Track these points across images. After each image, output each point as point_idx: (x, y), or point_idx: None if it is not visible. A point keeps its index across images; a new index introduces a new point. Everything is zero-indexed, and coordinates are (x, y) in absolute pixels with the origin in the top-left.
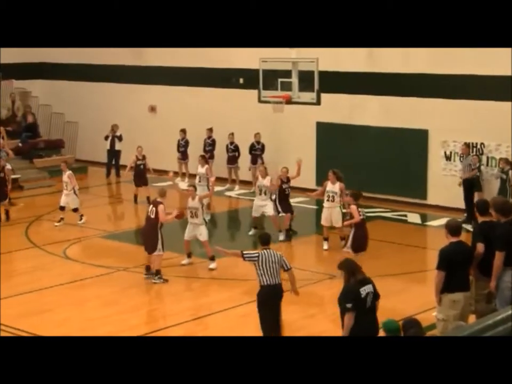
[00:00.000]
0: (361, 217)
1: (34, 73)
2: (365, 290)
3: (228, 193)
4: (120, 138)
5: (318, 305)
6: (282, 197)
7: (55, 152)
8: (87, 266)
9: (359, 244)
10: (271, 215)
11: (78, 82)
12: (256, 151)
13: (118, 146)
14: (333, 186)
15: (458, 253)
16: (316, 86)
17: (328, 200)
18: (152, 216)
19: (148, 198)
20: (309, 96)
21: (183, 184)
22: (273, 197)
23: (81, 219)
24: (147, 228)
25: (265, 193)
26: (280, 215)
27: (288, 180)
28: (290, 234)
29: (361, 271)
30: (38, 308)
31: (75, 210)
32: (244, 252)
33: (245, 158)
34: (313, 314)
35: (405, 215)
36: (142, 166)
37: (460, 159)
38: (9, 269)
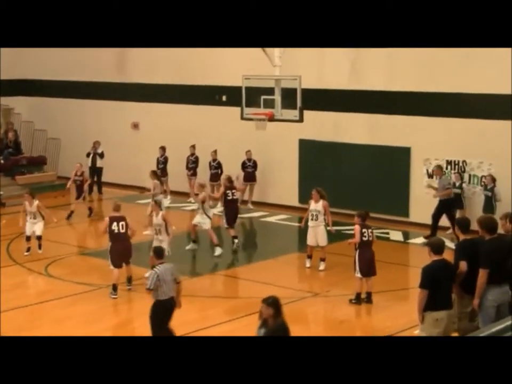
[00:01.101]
0: (369, 238)
1: (17, 90)
2: None
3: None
4: (101, 155)
5: (300, 323)
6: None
7: (37, 169)
8: (68, 284)
9: (368, 267)
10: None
11: (61, 99)
12: (248, 168)
13: (99, 163)
14: (317, 205)
15: (441, 271)
16: (299, 104)
17: (312, 219)
18: (123, 231)
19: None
20: (292, 113)
21: (165, 202)
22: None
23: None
24: (123, 242)
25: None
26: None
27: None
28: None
29: None
30: (19, 326)
31: (39, 237)
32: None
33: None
34: (296, 332)
35: (388, 233)
36: (78, 182)
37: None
38: None
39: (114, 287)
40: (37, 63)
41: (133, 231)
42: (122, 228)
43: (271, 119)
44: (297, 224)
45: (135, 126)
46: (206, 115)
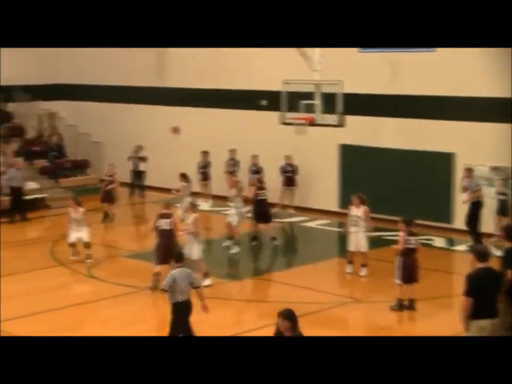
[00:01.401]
0: (412, 246)
1: (61, 95)
2: None
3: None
4: (144, 159)
5: (341, 329)
6: None
7: (80, 172)
8: (111, 286)
9: (408, 274)
10: None
11: (104, 103)
12: (287, 172)
13: (142, 167)
14: (357, 211)
15: (486, 278)
16: (339, 108)
17: (353, 225)
18: (169, 228)
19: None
20: (332, 118)
21: (206, 206)
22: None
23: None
24: (168, 239)
25: None
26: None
27: None
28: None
29: None
30: (63, 326)
31: (87, 245)
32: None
33: (267, 180)
34: None
35: (431, 239)
36: (107, 182)
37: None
38: (35, 287)
39: (156, 279)
40: (81, 68)
41: (178, 228)
42: (169, 225)
43: (311, 123)
44: (337, 229)
45: (176, 130)
46: (246, 120)
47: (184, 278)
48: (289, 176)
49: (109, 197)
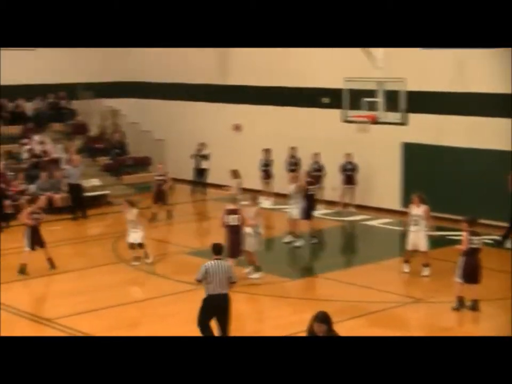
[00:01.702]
0: (475, 246)
1: (123, 92)
2: None
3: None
4: (206, 157)
5: (402, 329)
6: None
7: (142, 169)
8: (172, 282)
9: (470, 274)
10: None
11: (166, 101)
12: (347, 171)
13: (204, 165)
14: (418, 210)
15: None
16: (402, 106)
17: (413, 224)
18: (236, 223)
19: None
20: (395, 116)
21: (267, 203)
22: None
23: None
24: (236, 235)
25: None
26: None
27: None
28: None
29: None
30: (125, 322)
31: (140, 245)
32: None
33: (328, 178)
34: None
35: (496, 239)
36: (159, 182)
37: None
38: (97, 283)
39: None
40: (143, 66)
41: (247, 222)
42: (236, 221)
43: (374, 121)
44: (399, 228)
45: (238, 128)
46: (307, 117)
47: (219, 271)
48: (349, 174)
49: (161, 197)
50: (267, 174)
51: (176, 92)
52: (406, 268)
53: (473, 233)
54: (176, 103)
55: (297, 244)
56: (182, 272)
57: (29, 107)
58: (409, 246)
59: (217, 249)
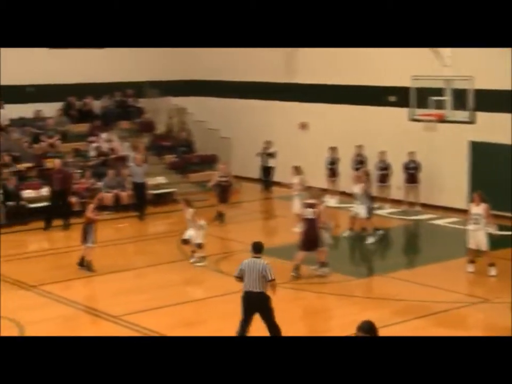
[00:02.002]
0: None
1: (190, 90)
2: None
3: (378, 212)
4: (273, 155)
5: (468, 329)
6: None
7: (209, 167)
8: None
9: None
10: None
11: (232, 99)
12: (410, 169)
13: (271, 163)
14: (478, 208)
15: None
16: (470, 105)
17: (473, 223)
18: (313, 217)
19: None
20: (463, 114)
21: (332, 202)
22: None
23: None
24: (311, 229)
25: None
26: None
27: None
28: None
29: None
30: (192, 319)
31: (199, 245)
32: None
33: (396, 177)
34: None
35: None
36: (223, 183)
37: None
38: (161, 281)
39: (296, 267)
40: (210, 64)
41: (322, 217)
42: (313, 215)
43: (441, 120)
44: (465, 227)
45: (304, 126)
46: (373, 115)
47: (255, 269)
48: (412, 173)
49: (224, 197)
50: (333, 172)
51: (242, 90)
52: (471, 268)
53: None
54: (242, 101)
55: (369, 241)
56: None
57: (96, 105)
58: (471, 245)
59: (255, 248)
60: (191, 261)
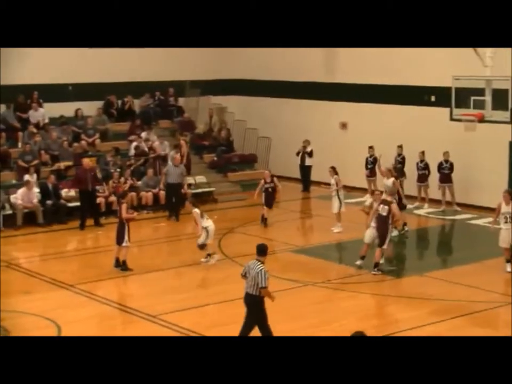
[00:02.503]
0: None
1: (230, 90)
2: None
3: (416, 212)
4: (310, 154)
5: (503, 329)
6: None
7: (248, 166)
8: (275, 280)
9: None
10: None
11: (272, 98)
12: (444, 169)
13: (308, 162)
14: (508, 207)
15: None
16: (510, 105)
17: (505, 221)
18: (384, 214)
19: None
20: (503, 115)
21: (368, 201)
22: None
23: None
24: (382, 225)
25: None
26: None
27: None
28: None
29: None
30: (230, 318)
31: (201, 247)
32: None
33: (435, 177)
34: None
35: None
36: (270, 189)
37: None
38: (203, 279)
39: (362, 258)
40: (250, 64)
41: (395, 215)
42: (386, 212)
43: (481, 120)
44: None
45: (343, 125)
46: (414, 115)
47: (253, 272)
48: (446, 173)
49: (269, 202)
50: (372, 172)
51: (282, 89)
52: (509, 267)
53: None
54: (282, 101)
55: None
56: (287, 270)
57: (136, 104)
58: (501, 243)
59: (258, 250)
60: (202, 260)
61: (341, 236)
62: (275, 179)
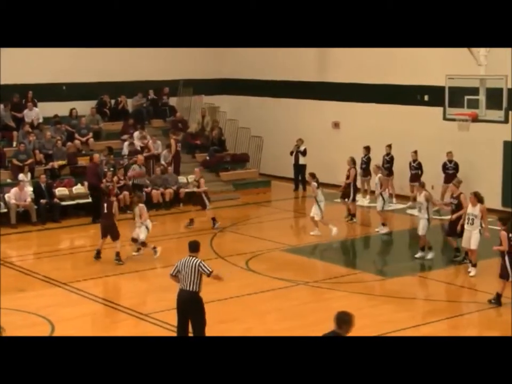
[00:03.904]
0: None
1: (223, 89)
2: None
3: (410, 212)
4: (304, 153)
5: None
6: None
7: (240, 166)
8: (268, 279)
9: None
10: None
11: (264, 98)
12: (449, 169)
13: (302, 160)
14: (474, 209)
15: None
16: (505, 104)
17: (468, 223)
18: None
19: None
20: (497, 114)
21: (364, 201)
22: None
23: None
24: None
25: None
26: None
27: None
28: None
29: None
30: (222, 317)
31: (143, 244)
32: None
33: (426, 176)
34: None
35: None
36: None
37: None
38: None
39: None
40: (242, 63)
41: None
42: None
43: (475, 119)
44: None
45: (336, 125)
46: (407, 115)
47: (188, 267)
48: (450, 173)
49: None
50: (366, 172)
51: (274, 89)
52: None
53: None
54: (274, 100)
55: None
56: (279, 269)
57: (129, 104)
58: (464, 243)
59: (191, 246)
60: (133, 253)
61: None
62: (202, 180)
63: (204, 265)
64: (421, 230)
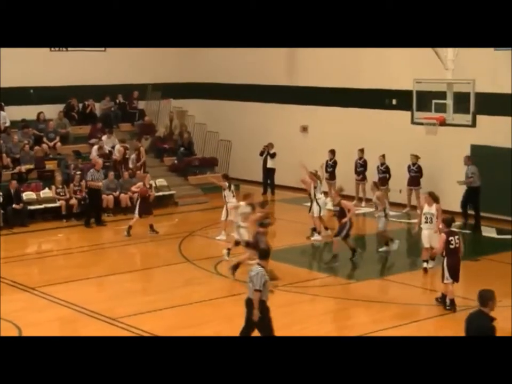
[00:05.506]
0: (455, 245)
1: (191, 93)
2: None
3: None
4: (273, 155)
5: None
6: None
7: (209, 169)
8: (237, 283)
9: (454, 273)
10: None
11: (232, 102)
12: (411, 172)
13: (270, 164)
14: (430, 208)
15: None
16: (472, 108)
17: (426, 222)
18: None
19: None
20: (464, 118)
21: (330, 205)
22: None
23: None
24: None
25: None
26: None
27: None
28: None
29: None
30: (190, 321)
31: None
32: None
33: (394, 180)
34: None
35: None
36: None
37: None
38: (164, 282)
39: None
40: (210, 67)
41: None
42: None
43: (442, 123)
44: (465, 231)
45: (304, 129)
46: (375, 119)
47: (250, 275)
48: (413, 176)
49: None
50: (332, 176)
51: (243, 93)
52: (430, 264)
53: (452, 234)
54: (243, 104)
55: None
56: (247, 273)
57: (97, 107)
58: (425, 244)
59: (259, 254)
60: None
61: (302, 240)
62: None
63: (258, 278)
64: (380, 227)
